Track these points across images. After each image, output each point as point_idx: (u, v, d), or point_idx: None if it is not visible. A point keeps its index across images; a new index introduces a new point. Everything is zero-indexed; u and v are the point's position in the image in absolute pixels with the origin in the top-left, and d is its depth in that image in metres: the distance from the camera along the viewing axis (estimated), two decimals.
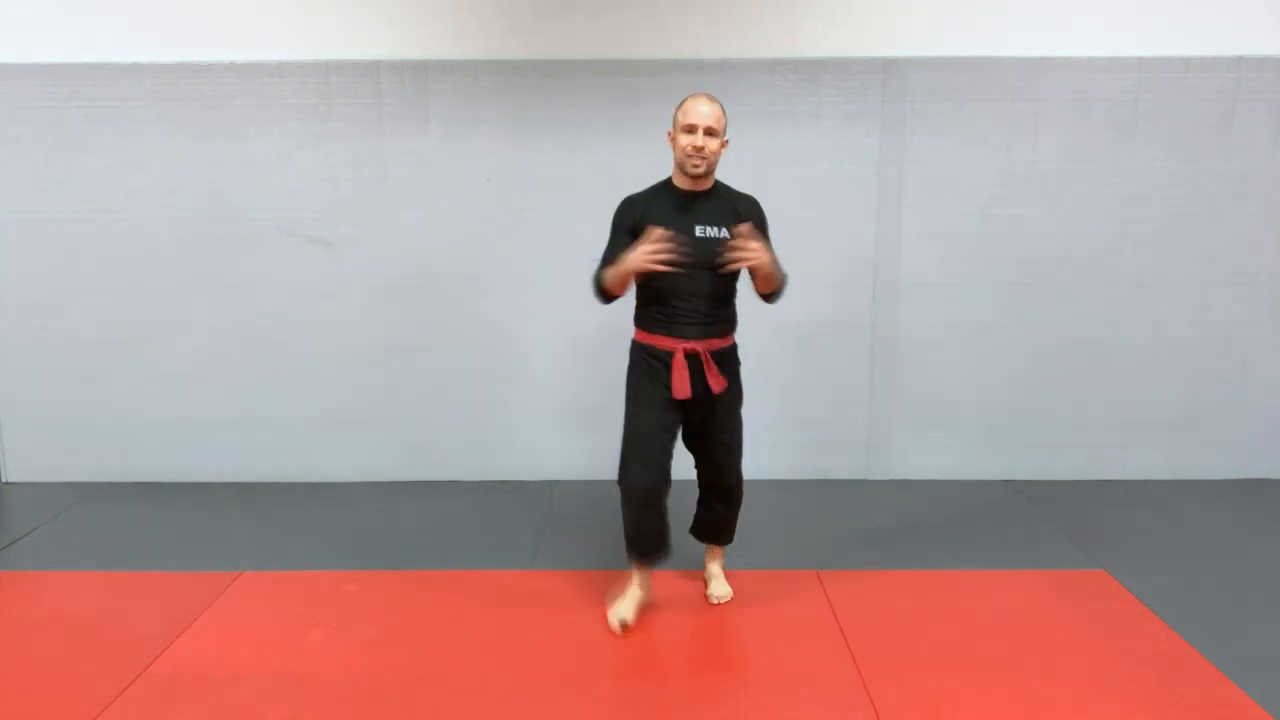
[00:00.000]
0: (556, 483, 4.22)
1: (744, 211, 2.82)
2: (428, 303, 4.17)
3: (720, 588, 3.14)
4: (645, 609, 3.02)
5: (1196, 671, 2.69)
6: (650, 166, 4.03)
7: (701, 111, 2.74)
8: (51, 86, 3.99)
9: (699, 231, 2.76)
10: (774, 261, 2.74)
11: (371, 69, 3.97)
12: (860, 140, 4.02)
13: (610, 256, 2.77)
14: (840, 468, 4.30)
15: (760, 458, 4.25)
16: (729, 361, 2.90)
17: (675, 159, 2.80)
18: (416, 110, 4.00)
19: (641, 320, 2.89)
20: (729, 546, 3.21)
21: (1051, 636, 2.88)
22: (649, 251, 2.61)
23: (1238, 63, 3.96)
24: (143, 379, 4.21)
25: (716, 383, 2.81)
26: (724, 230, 2.77)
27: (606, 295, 2.80)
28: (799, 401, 4.22)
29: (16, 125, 4.02)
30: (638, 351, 2.90)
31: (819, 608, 3.07)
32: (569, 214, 4.04)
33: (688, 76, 3.95)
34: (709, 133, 2.73)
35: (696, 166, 2.74)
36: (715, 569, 3.18)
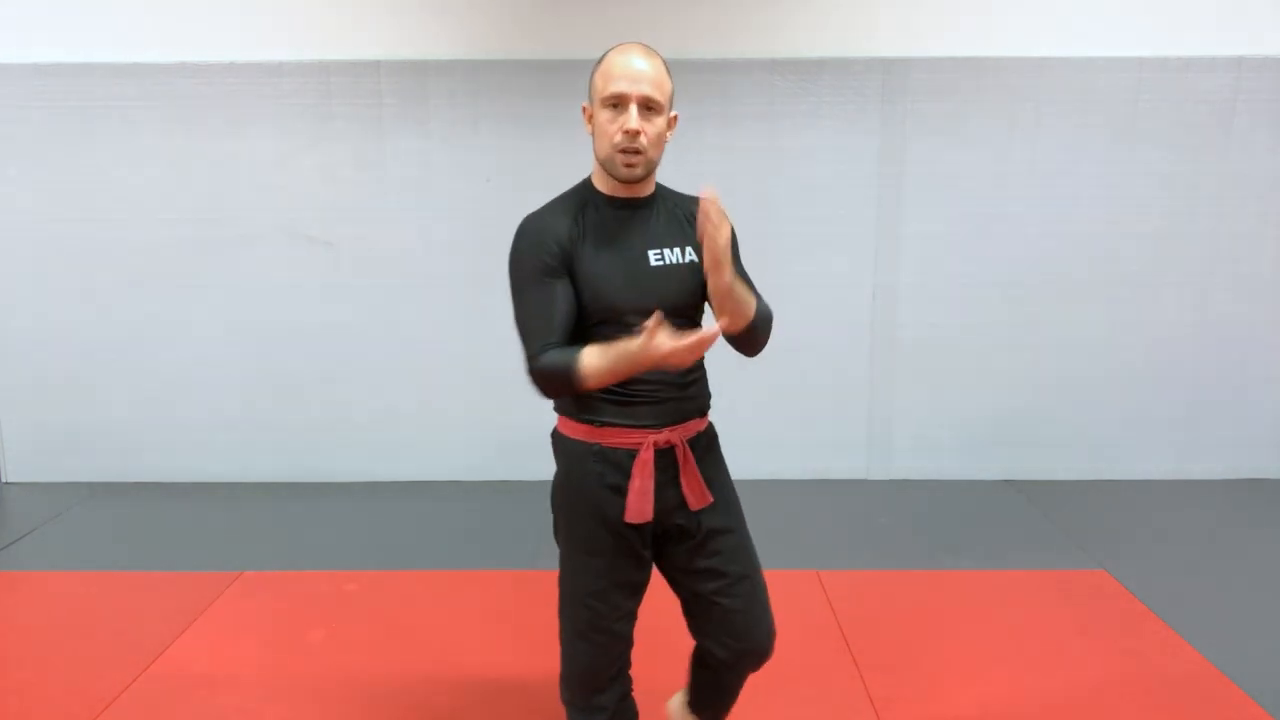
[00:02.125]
0: None
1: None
2: (428, 303, 4.17)
3: None
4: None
5: (1197, 671, 2.69)
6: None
7: (635, 70, 1.71)
8: (51, 86, 3.99)
9: (654, 259, 1.81)
10: (742, 276, 1.85)
11: (371, 69, 3.97)
12: (860, 140, 4.02)
13: (542, 317, 1.74)
14: (840, 468, 4.30)
15: (760, 458, 4.27)
16: (711, 451, 1.95)
17: (596, 153, 1.81)
18: (416, 110, 4.00)
19: (575, 405, 1.85)
20: None
21: (1051, 636, 2.88)
22: (690, 345, 1.59)
23: (1238, 63, 3.95)
24: (143, 379, 4.21)
25: (695, 495, 1.85)
26: (689, 253, 1.84)
27: (578, 386, 1.73)
28: (799, 401, 4.22)
29: (16, 125, 4.02)
30: (574, 457, 1.88)
31: (819, 608, 3.07)
32: None
33: (688, 76, 3.95)
34: (647, 106, 1.73)
35: (632, 166, 1.75)
36: None
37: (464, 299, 4.14)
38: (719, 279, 1.66)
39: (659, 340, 1.58)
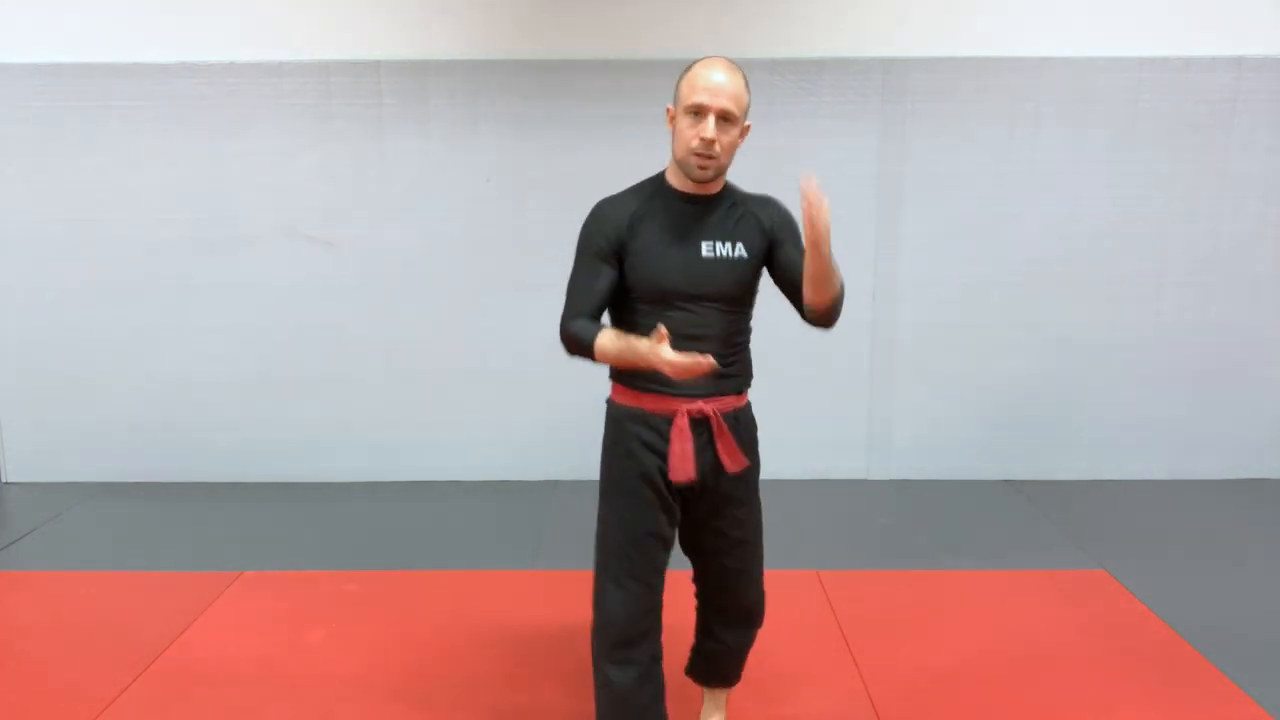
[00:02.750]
0: (556, 483, 4.22)
1: (769, 220, 2.08)
2: (428, 303, 4.17)
3: None
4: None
5: (1196, 671, 2.69)
6: (650, 167, 4.02)
7: (716, 83, 1.90)
8: (51, 86, 3.99)
9: (706, 251, 2.00)
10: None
11: (371, 69, 3.97)
12: (860, 140, 4.02)
13: (583, 290, 2.00)
14: (840, 468, 4.30)
15: (760, 458, 4.27)
16: (746, 428, 2.14)
17: (674, 152, 2.00)
18: (416, 110, 4.00)
19: (624, 374, 2.03)
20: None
21: (1051, 636, 2.88)
22: (683, 364, 1.79)
23: (1238, 63, 3.95)
24: (143, 379, 4.21)
25: (733, 459, 2.04)
26: (740, 248, 2.02)
27: (592, 358, 1.96)
28: (799, 401, 4.22)
29: (16, 125, 4.02)
30: (619, 420, 2.06)
31: (819, 608, 3.07)
32: (569, 214, 4.01)
33: None
34: (724, 118, 1.92)
35: (704, 169, 1.96)
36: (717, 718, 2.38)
37: (464, 299, 4.14)
38: (817, 257, 1.86)
39: (662, 350, 1.79)
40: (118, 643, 2.85)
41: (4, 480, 4.32)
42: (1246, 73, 3.96)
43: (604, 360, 1.95)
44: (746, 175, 4.05)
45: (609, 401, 2.11)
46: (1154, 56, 3.96)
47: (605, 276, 1.99)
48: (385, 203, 4.08)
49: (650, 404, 2.01)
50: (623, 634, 2.03)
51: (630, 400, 2.04)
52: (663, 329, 1.81)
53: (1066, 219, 4.07)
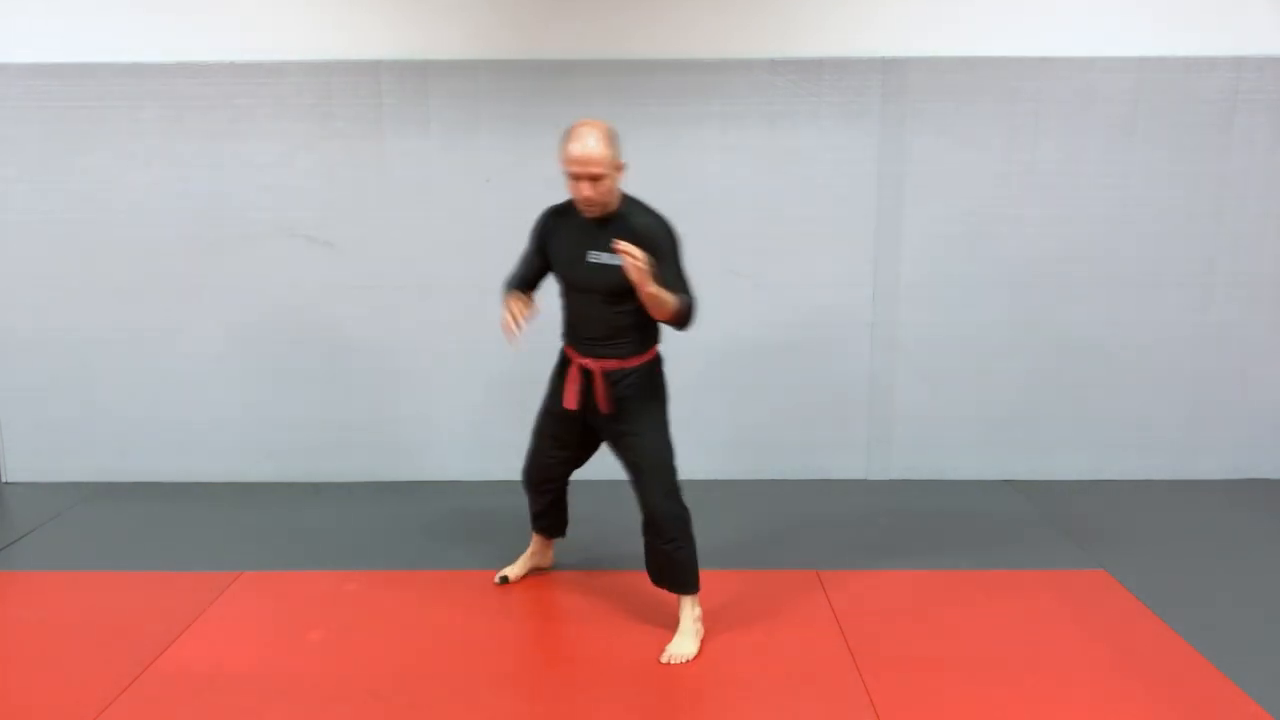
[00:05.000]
0: None
1: (642, 234, 2.61)
2: (428, 303, 4.17)
3: (677, 644, 2.79)
4: (539, 576, 3.29)
5: (1196, 671, 2.69)
6: (650, 166, 4.03)
7: (575, 157, 2.56)
8: (51, 86, 3.99)
9: (592, 258, 2.68)
10: (661, 285, 2.55)
11: (371, 69, 3.97)
12: (860, 140, 4.02)
13: (520, 266, 2.92)
14: (840, 468, 4.30)
15: (760, 458, 4.27)
16: (630, 383, 2.77)
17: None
18: (416, 110, 4.00)
19: (562, 324, 2.90)
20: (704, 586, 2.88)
21: (1051, 636, 2.88)
22: (505, 320, 2.71)
23: (1238, 63, 3.95)
24: (143, 379, 4.21)
25: (602, 403, 2.77)
26: (616, 257, 2.58)
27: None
28: (799, 401, 4.22)
29: (16, 125, 4.02)
30: (560, 358, 2.94)
31: (819, 608, 3.07)
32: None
33: (688, 76, 3.95)
34: (593, 179, 2.57)
35: (589, 212, 2.66)
36: (683, 623, 2.83)
37: (464, 299, 4.14)
38: (641, 291, 2.54)
39: (511, 305, 2.74)
40: (118, 643, 2.86)
41: (4, 480, 4.32)
42: (1246, 73, 3.96)
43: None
44: (747, 175, 4.09)
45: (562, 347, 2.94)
46: (1154, 56, 3.96)
47: (532, 261, 2.89)
48: (385, 203, 4.08)
49: (568, 352, 2.87)
50: (528, 475, 3.08)
51: (565, 348, 2.89)
52: (517, 294, 2.81)
53: (1066, 219, 4.07)
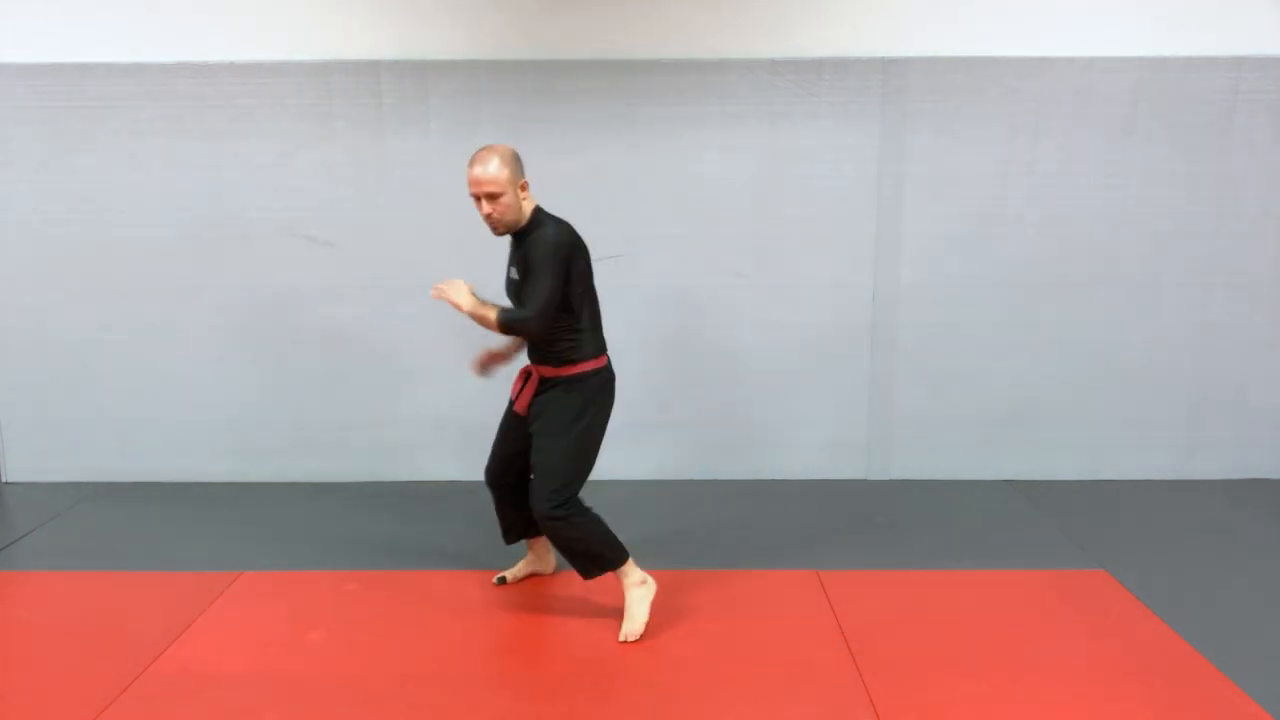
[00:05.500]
0: None
1: (529, 246, 2.77)
2: (428, 303, 4.16)
3: (625, 623, 2.90)
4: (539, 578, 3.31)
5: (1196, 671, 2.69)
6: (650, 166, 4.04)
7: (474, 178, 2.72)
8: (51, 86, 3.99)
9: (510, 273, 2.91)
10: (478, 305, 2.79)
11: (371, 69, 3.97)
12: (860, 140, 4.02)
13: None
14: (840, 468, 4.30)
15: (761, 458, 4.27)
16: (553, 390, 2.88)
17: None
18: (416, 110, 4.00)
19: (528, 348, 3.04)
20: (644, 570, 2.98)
21: (1051, 636, 2.88)
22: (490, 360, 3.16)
23: (1238, 63, 3.95)
24: (143, 379, 4.21)
25: (521, 401, 2.96)
26: (514, 272, 2.86)
27: None
28: (799, 401, 4.22)
29: (16, 125, 4.02)
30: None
31: (819, 608, 3.07)
32: (568, 214, 4.01)
33: (688, 76, 3.95)
34: (490, 198, 2.72)
35: (496, 229, 2.81)
36: (626, 603, 2.94)
37: None
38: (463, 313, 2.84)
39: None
40: (118, 643, 2.86)
41: (4, 480, 4.32)
42: (1246, 73, 3.96)
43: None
44: (747, 175, 4.08)
45: None
46: (1154, 56, 3.96)
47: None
48: (385, 203, 4.08)
49: (526, 362, 3.03)
50: (487, 472, 3.18)
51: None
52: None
53: (1066, 219, 4.07)
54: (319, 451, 4.28)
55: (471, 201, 2.78)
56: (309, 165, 4.04)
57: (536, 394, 2.92)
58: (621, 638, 2.86)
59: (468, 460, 4.28)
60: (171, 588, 3.23)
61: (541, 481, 2.85)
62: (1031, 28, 3.97)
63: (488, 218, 2.77)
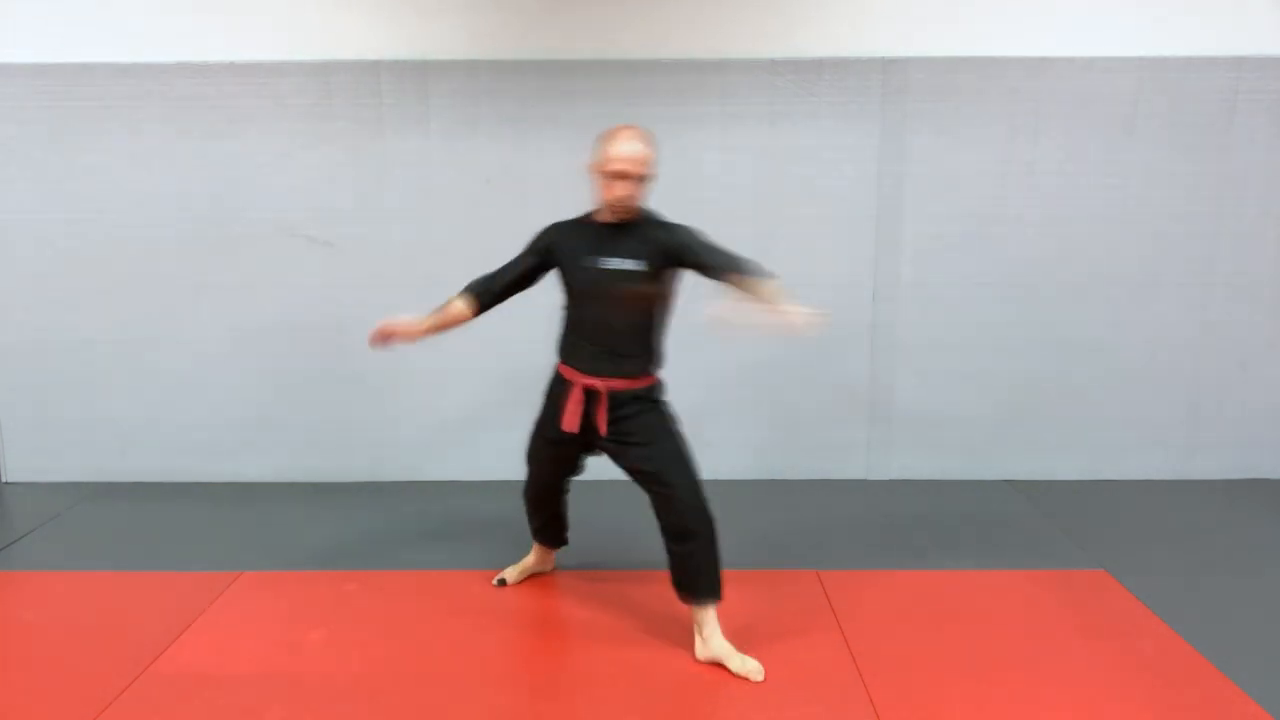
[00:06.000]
0: None
1: (665, 241, 2.65)
2: (428, 303, 4.15)
3: (703, 646, 2.72)
4: (538, 577, 3.30)
5: (1196, 671, 2.69)
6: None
7: (625, 156, 2.58)
8: (51, 86, 3.99)
9: (610, 264, 2.67)
10: (713, 263, 2.59)
11: (371, 69, 3.97)
12: (860, 140, 4.02)
13: (508, 270, 2.87)
14: (840, 468, 4.30)
15: (761, 458, 4.27)
16: (636, 405, 2.71)
17: (599, 196, 2.68)
18: (416, 110, 4.00)
19: (560, 345, 2.85)
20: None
21: (1051, 636, 2.88)
22: (395, 327, 2.89)
23: (1238, 63, 3.95)
24: (143, 379, 4.21)
25: (600, 424, 2.72)
26: (639, 262, 2.64)
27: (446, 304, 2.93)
28: (800, 402, 4.22)
29: (16, 125, 4.02)
30: (553, 380, 2.88)
31: (819, 608, 3.07)
32: (569, 215, 4.02)
33: (688, 76, 3.95)
34: (638, 179, 2.62)
35: (620, 214, 2.66)
36: (705, 630, 2.74)
37: None
38: (756, 308, 2.57)
39: (415, 321, 2.89)
40: (118, 643, 2.86)
41: (4, 480, 4.32)
42: (1246, 73, 3.96)
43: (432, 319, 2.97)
44: (747, 175, 4.09)
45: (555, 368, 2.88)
46: (1154, 56, 3.96)
47: (522, 270, 2.87)
48: (385, 203, 4.08)
49: (566, 372, 2.79)
50: (526, 495, 3.05)
51: (560, 368, 2.83)
52: (384, 326, 2.94)
53: (1066, 219, 4.07)
54: (319, 451, 4.28)
55: (600, 180, 2.63)
56: (309, 165, 4.04)
57: (613, 410, 2.71)
58: (743, 673, 2.66)
59: (468, 460, 4.29)
60: (171, 588, 3.23)
61: (679, 499, 2.66)
62: (1031, 28, 3.97)
63: (622, 199, 2.61)
